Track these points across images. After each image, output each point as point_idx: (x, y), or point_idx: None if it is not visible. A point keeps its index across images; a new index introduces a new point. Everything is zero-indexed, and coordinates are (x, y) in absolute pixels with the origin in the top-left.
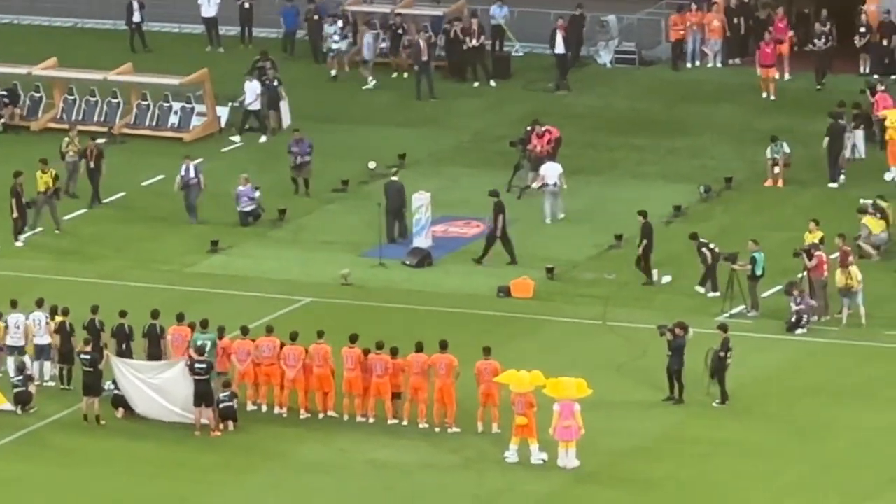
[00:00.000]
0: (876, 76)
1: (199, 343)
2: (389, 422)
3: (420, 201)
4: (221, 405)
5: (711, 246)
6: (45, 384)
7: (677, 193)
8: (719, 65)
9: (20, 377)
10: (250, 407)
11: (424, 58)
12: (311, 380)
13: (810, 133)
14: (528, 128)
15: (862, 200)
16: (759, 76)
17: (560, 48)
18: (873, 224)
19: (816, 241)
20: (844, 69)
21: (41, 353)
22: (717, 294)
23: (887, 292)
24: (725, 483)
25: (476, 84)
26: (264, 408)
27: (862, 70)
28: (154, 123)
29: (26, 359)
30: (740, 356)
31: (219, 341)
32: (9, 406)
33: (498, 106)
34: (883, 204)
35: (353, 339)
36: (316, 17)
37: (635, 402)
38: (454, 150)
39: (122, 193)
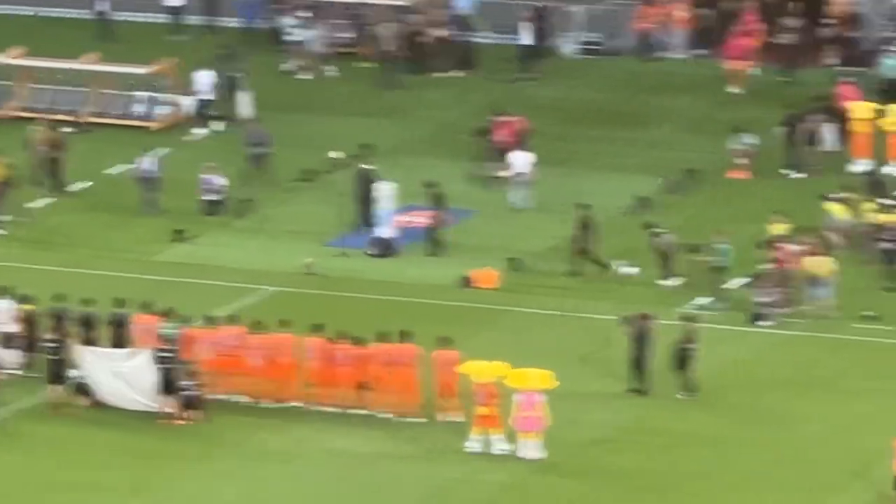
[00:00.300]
0: (842, 67)
1: (164, 332)
2: (352, 411)
3: (383, 191)
4: (185, 394)
5: (666, 234)
6: (11, 372)
7: (640, 184)
8: (684, 56)
9: None
10: (214, 396)
11: (389, 48)
12: (274, 369)
13: (775, 125)
14: (492, 118)
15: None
16: (728, 69)
17: (527, 39)
18: (837, 210)
19: (781, 233)
20: (810, 61)
21: (8, 341)
22: (672, 282)
23: (854, 284)
24: (689, 474)
25: (440, 74)
26: (228, 397)
27: (828, 62)
28: (120, 112)
29: None
30: (705, 348)
31: (183, 330)
32: None
33: (462, 96)
34: (847, 195)
35: (317, 328)
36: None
37: (599, 392)
38: (418, 140)
39: (88, 182)
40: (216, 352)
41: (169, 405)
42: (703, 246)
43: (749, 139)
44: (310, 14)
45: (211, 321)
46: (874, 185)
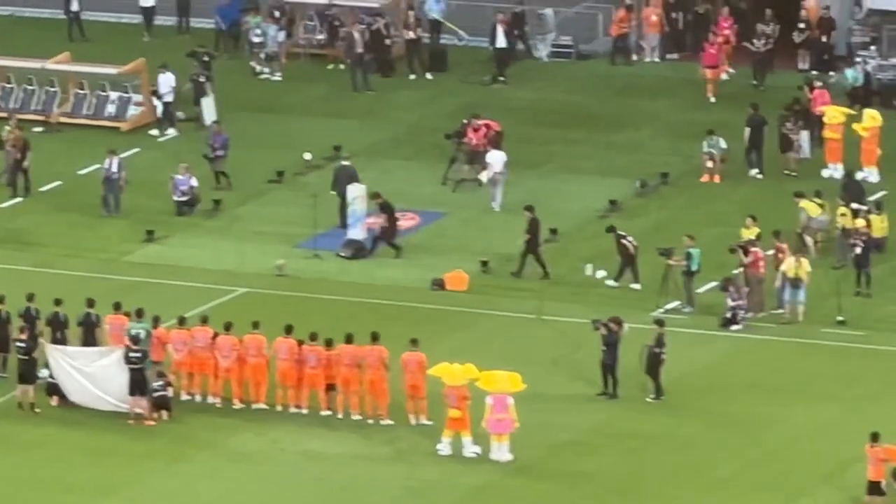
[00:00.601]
0: (814, 72)
1: (134, 332)
2: (322, 413)
3: (355, 193)
4: (155, 394)
5: (630, 238)
6: None
7: (613, 188)
8: (657, 59)
9: None
10: (184, 396)
11: (360, 50)
12: (245, 370)
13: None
14: (465, 121)
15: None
16: (702, 76)
17: (500, 42)
18: (811, 208)
19: (753, 237)
20: (783, 65)
21: None
22: (638, 286)
23: (824, 289)
24: (659, 477)
25: (412, 77)
26: (198, 397)
27: (801, 66)
28: (91, 112)
29: None
30: (675, 352)
31: (154, 330)
32: None
33: (434, 99)
34: (819, 201)
35: (288, 329)
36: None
37: (569, 396)
38: (390, 142)
39: (58, 182)
40: (187, 352)
41: (139, 406)
42: (674, 249)
43: (719, 143)
44: (280, 15)
45: (182, 322)
46: (849, 188)
